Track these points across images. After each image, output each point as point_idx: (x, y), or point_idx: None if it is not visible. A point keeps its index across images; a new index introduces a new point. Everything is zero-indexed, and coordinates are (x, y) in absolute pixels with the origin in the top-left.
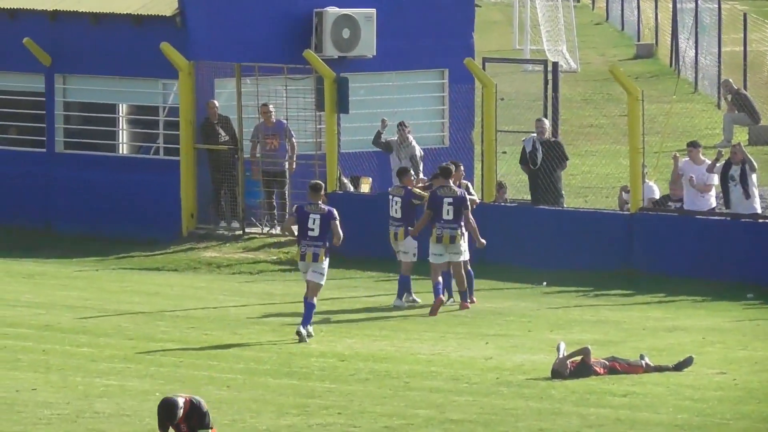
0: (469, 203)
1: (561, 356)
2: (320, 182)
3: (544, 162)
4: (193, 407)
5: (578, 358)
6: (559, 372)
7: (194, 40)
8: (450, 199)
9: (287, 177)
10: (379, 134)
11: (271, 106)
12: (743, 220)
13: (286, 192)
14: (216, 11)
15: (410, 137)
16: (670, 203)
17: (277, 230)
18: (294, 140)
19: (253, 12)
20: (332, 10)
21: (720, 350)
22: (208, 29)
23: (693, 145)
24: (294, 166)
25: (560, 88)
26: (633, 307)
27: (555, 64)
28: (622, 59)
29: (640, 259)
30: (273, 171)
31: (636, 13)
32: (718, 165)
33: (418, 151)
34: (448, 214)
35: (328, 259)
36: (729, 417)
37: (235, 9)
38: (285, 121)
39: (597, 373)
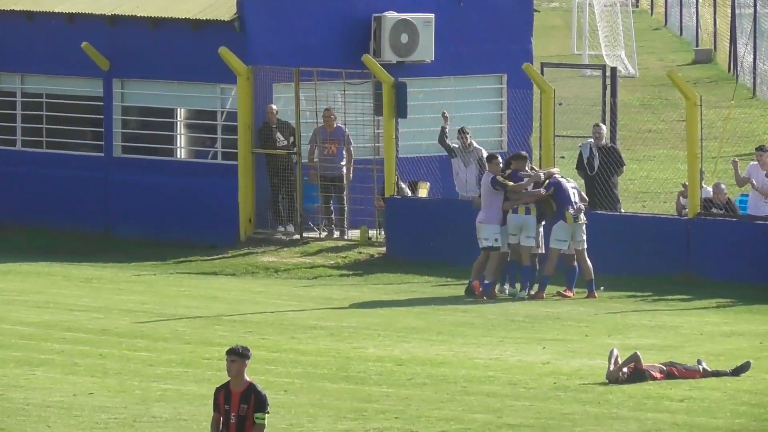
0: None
1: (612, 367)
2: (525, 153)
3: (601, 168)
4: (252, 387)
5: (631, 365)
6: (613, 381)
7: (253, 45)
8: None
9: (345, 182)
10: (443, 131)
11: (333, 111)
12: None
13: (344, 197)
14: (274, 16)
15: (473, 142)
16: (713, 209)
17: (336, 234)
18: (351, 147)
19: (312, 17)
20: (391, 15)
21: None
22: (266, 34)
23: (761, 149)
24: (351, 175)
25: (619, 93)
26: (691, 312)
27: (613, 69)
28: (680, 64)
29: (698, 264)
30: (331, 176)
31: (694, 18)
32: None
33: (485, 153)
34: None
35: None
36: None
37: (293, 14)
38: (344, 127)
39: (654, 378)
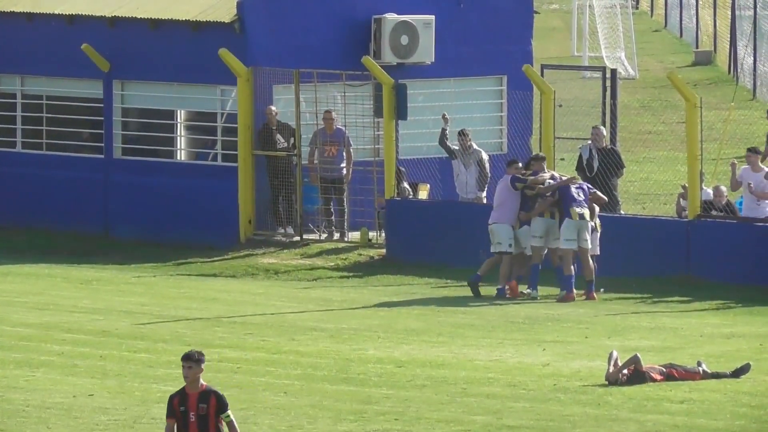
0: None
1: (611, 369)
2: (543, 154)
3: (601, 169)
4: (209, 389)
5: (631, 366)
6: (612, 383)
7: (253, 46)
8: None
9: (345, 184)
10: (444, 132)
11: (333, 113)
12: None
13: (345, 199)
14: (274, 17)
15: (473, 144)
16: (713, 211)
17: (336, 236)
18: (351, 149)
19: (312, 18)
20: (391, 17)
21: None
22: (266, 35)
23: (752, 151)
24: (350, 176)
25: (618, 95)
26: (690, 314)
27: (613, 71)
28: (680, 66)
29: (698, 265)
30: (331, 177)
31: (694, 20)
32: None
33: (485, 155)
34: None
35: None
36: None
37: (293, 15)
38: (344, 129)
39: (654, 380)
